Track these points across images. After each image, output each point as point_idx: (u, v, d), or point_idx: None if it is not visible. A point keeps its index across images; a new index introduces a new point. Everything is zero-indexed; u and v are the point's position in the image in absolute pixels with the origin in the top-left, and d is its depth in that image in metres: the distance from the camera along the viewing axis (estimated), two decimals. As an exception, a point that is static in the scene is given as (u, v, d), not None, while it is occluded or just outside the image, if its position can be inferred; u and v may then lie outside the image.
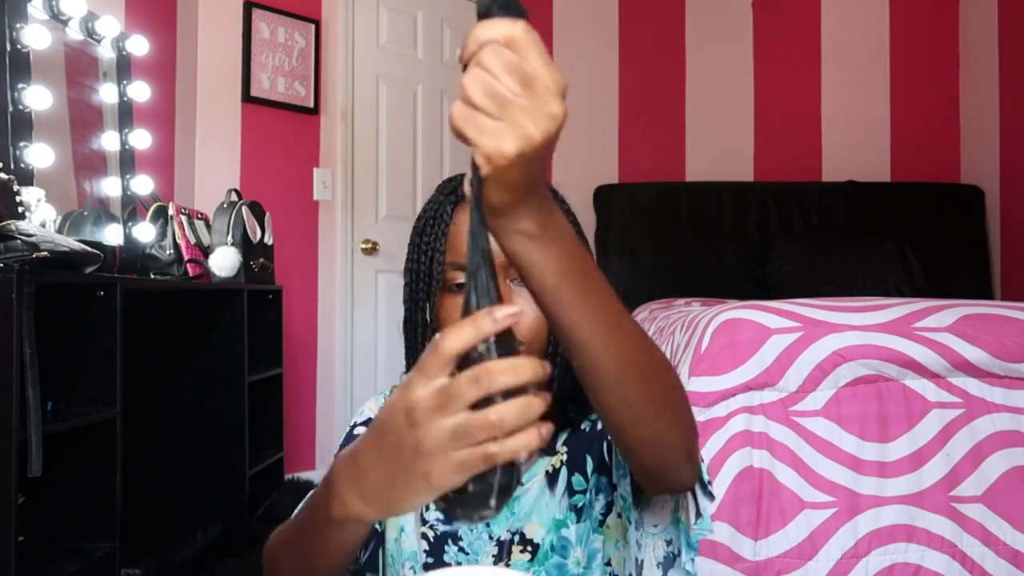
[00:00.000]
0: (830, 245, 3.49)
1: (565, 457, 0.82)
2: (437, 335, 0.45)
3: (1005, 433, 1.47)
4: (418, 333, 0.82)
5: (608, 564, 0.82)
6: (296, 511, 0.76)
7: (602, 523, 0.81)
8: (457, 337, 0.44)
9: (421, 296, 0.80)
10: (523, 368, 0.43)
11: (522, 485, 0.78)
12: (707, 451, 1.45)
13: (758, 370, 1.47)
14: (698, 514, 0.72)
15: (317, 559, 0.58)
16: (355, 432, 0.86)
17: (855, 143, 3.86)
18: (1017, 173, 3.42)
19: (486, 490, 0.46)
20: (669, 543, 0.77)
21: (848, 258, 3.44)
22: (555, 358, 0.79)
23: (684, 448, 0.61)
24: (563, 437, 0.83)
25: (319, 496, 0.55)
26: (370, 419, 0.87)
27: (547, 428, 0.44)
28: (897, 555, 1.43)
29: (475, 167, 0.46)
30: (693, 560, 0.75)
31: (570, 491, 0.81)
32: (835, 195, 3.69)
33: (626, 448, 0.60)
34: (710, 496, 0.72)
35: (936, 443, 1.47)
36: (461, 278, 0.78)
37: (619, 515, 0.82)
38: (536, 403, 0.43)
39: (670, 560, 0.77)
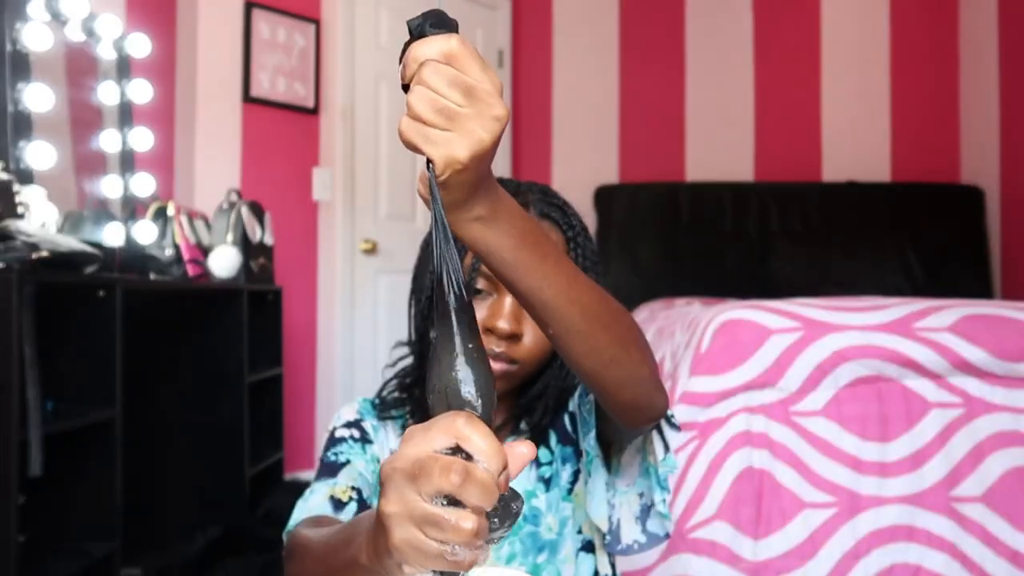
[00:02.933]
0: (830, 245, 3.49)
1: (529, 435, 0.86)
2: (462, 419, 0.45)
3: (1005, 433, 1.47)
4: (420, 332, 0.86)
5: (580, 532, 0.86)
6: (309, 497, 0.78)
7: (571, 491, 0.86)
8: (475, 440, 0.44)
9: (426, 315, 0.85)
10: (491, 495, 0.44)
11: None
12: (707, 451, 1.45)
13: (758, 370, 1.47)
14: (666, 448, 0.77)
15: None
16: (337, 435, 0.87)
17: (855, 143, 3.86)
18: (1017, 173, 3.42)
19: None
20: (641, 495, 0.81)
21: (848, 258, 3.44)
22: (544, 369, 0.84)
23: (653, 378, 0.66)
24: (525, 421, 0.87)
25: (358, 530, 0.55)
26: (348, 421, 0.88)
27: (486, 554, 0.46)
28: (897, 555, 1.43)
29: (431, 171, 0.48)
30: (665, 500, 0.79)
31: (537, 463, 0.86)
32: (835, 195, 3.69)
33: (603, 392, 0.64)
34: (676, 428, 0.79)
35: (936, 443, 1.47)
36: (480, 284, 0.81)
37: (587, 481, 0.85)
38: (481, 526, 0.45)
39: (646, 511, 0.81)
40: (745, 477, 1.44)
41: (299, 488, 2.55)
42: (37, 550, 1.55)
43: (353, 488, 0.79)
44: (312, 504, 0.77)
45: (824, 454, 1.46)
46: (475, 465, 0.44)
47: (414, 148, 0.48)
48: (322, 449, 0.86)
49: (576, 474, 0.86)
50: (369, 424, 0.88)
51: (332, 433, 0.88)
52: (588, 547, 0.86)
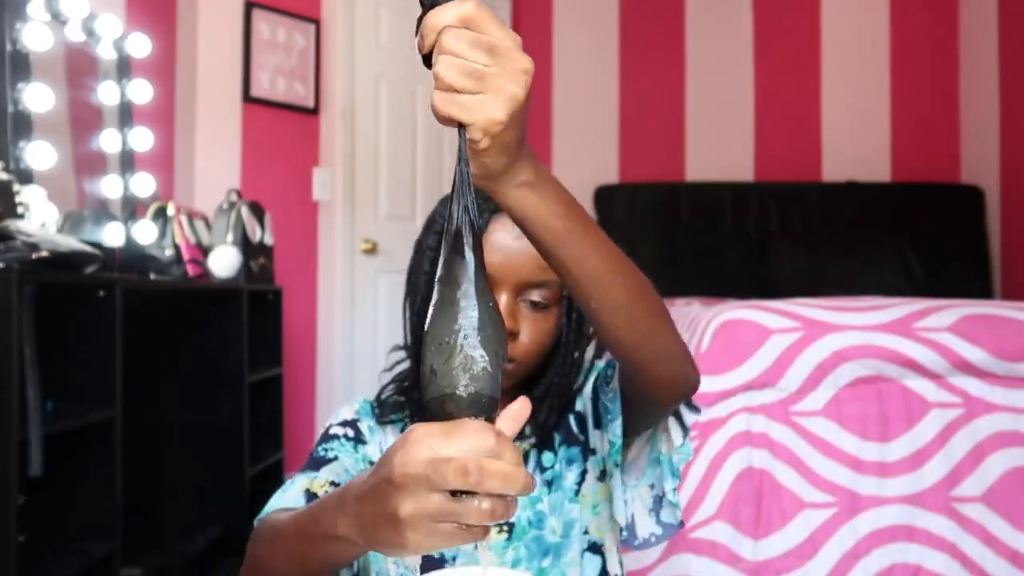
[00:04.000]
0: (830, 245, 3.49)
1: (534, 440, 0.86)
2: (494, 437, 0.45)
3: (1005, 433, 1.47)
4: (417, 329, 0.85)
5: (586, 533, 0.85)
6: (288, 487, 0.77)
7: (577, 492, 0.85)
8: (487, 445, 0.45)
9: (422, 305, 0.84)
10: (515, 480, 0.44)
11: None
12: (707, 451, 1.45)
13: (758, 370, 1.47)
14: (684, 433, 0.77)
15: (312, 562, 0.59)
16: (331, 431, 0.86)
17: (855, 143, 3.86)
18: (1017, 173, 3.42)
19: None
20: (652, 487, 0.81)
21: (848, 258, 3.44)
22: (546, 368, 0.84)
23: (686, 353, 0.67)
24: (530, 425, 0.86)
25: (329, 507, 0.55)
26: (346, 420, 0.88)
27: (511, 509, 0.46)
28: (897, 555, 1.43)
29: (466, 142, 0.48)
30: (675, 490, 0.78)
31: (540, 468, 0.85)
32: (835, 195, 3.69)
33: (642, 367, 0.64)
34: (696, 409, 0.77)
35: (936, 443, 1.47)
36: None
37: (598, 479, 0.85)
38: (513, 506, 0.46)
39: (658, 501, 0.81)
40: (745, 477, 1.44)
41: (299, 488, 2.56)
42: (37, 550, 1.55)
43: (332, 484, 0.78)
44: (288, 496, 0.76)
45: (824, 454, 1.46)
46: (489, 461, 0.44)
47: (449, 120, 0.47)
48: (315, 443, 0.86)
49: (583, 474, 0.85)
50: (366, 425, 0.88)
51: (327, 430, 0.87)
52: (594, 548, 0.85)
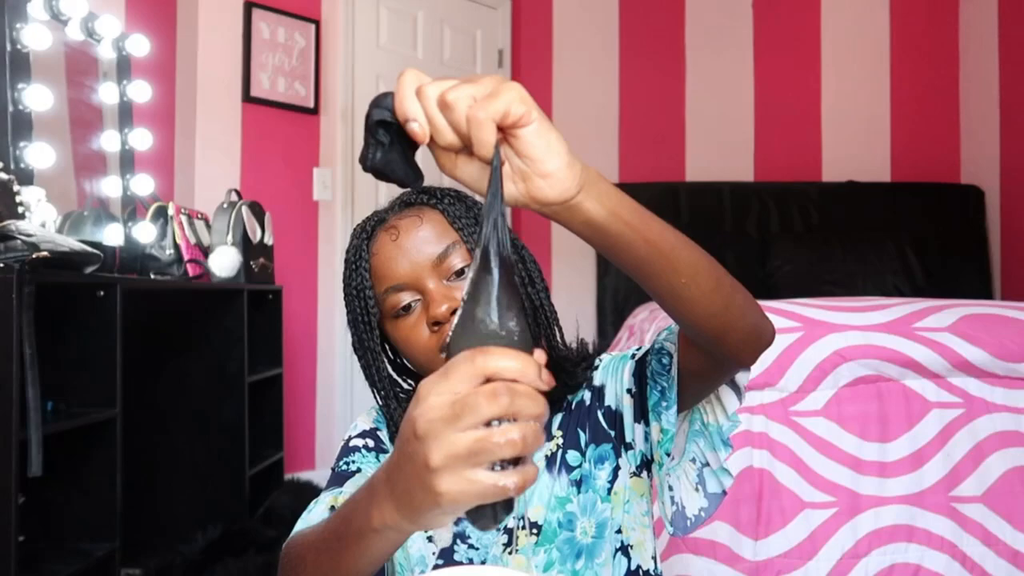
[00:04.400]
0: (830, 245, 3.48)
1: (562, 440, 0.85)
2: (468, 352, 0.44)
3: (1005, 433, 1.47)
4: (374, 370, 0.83)
5: (619, 532, 0.83)
6: (313, 507, 0.77)
7: (610, 491, 0.83)
8: (502, 362, 0.44)
9: (370, 344, 0.82)
10: (541, 399, 0.44)
11: None
12: (707, 451, 1.45)
13: (758, 370, 1.47)
14: (740, 395, 0.79)
15: (349, 564, 0.57)
16: (351, 444, 0.86)
17: (855, 143, 3.86)
18: (1017, 173, 3.42)
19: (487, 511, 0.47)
20: (693, 460, 0.82)
21: (848, 258, 3.43)
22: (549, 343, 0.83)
23: (755, 301, 0.68)
24: (558, 420, 0.86)
25: (360, 502, 0.55)
26: (364, 430, 0.87)
27: (538, 438, 0.45)
28: (897, 555, 1.43)
29: (499, 162, 0.49)
30: (726, 459, 0.80)
31: (567, 468, 0.84)
32: (835, 195, 3.69)
33: (726, 330, 0.65)
34: (747, 368, 0.77)
35: (936, 443, 1.47)
36: (405, 300, 0.80)
37: (633, 474, 0.84)
38: (541, 435, 0.44)
39: (700, 474, 0.82)
40: (745, 477, 1.44)
41: (299, 488, 2.56)
42: (37, 550, 1.55)
43: None
44: (313, 515, 0.75)
45: (824, 454, 1.46)
46: (514, 385, 0.43)
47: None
48: (335, 459, 0.85)
49: (615, 471, 0.84)
50: (385, 434, 0.87)
51: (347, 442, 0.86)
52: (624, 549, 0.84)
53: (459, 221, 0.81)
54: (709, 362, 0.72)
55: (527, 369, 0.44)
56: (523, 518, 0.81)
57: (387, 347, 0.86)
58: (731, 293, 0.64)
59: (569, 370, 0.85)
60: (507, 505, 0.47)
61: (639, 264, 0.60)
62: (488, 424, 0.43)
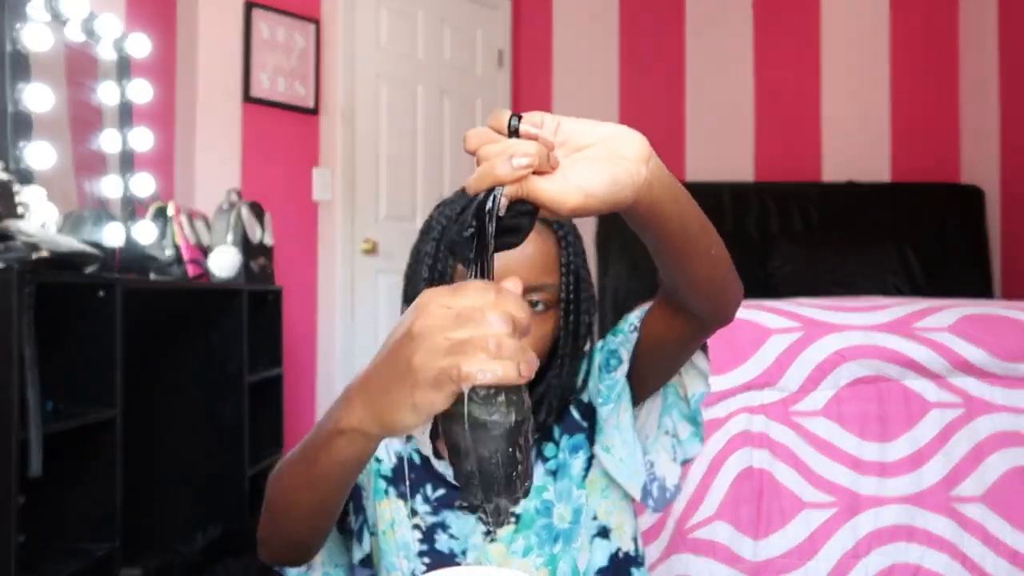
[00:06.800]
0: (830, 245, 3.48)
1: (537, 435, 0.87)
2: (485, 283, 0.47)
3: (1005, 433, 1.47)
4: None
5: (595, 518, 0.87)
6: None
7: (584, 478, 0.87)
8: (513, 303, 0.46)
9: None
10: (526, 310, 0.47)
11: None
12: (707, 451, 1.45)
13: (758, 370, 1.47)
14: (705, 355, 0.83)
15: (317, 472, 0.59)
16: None
17: (855, 143, 3.86)
18: (1017, 173, 3.42)
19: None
20: (667, 433, 0.86)
21: (848, 258, 3.43)
22: (545, 371, 0.84)
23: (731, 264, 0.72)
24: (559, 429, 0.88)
25: (332, 409, 0.56)
26: None
27: (528, 365, 0.46)
28: (897, 555, 1.43)
29: (495, 202, 0.49)
30: (697, 413, 0.86)
31: (543, 459, 0.86)
32: (835, 195, 3.69)
33: (716, 275, 0.69)
34: (705, 349, 0.84)
35: (936, 443, 1.47)
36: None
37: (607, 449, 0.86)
38: (529, 353, 0.46)
39: (674, 448, 0.86)
40: (745, 477, 1.44)
41: (299, 488, 2.55)
42: (37, 550, 1.55)
43: None
44: None
45: (824, 454, 1.46)
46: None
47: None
48: None
49: (589, 461, 0.87)
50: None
51: None
52: (603, 533, 0.87)
53: (569, 261, 0.84)
54: (689, 326, 0.75)
55: (527, 319, 0.47)
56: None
57: None
58: (716, 242, 0.68)
59: (566, 398, 0.88)
60: (507, 487, 0.47)
61: (665, 240, 0.63)
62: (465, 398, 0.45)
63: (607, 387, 0.84)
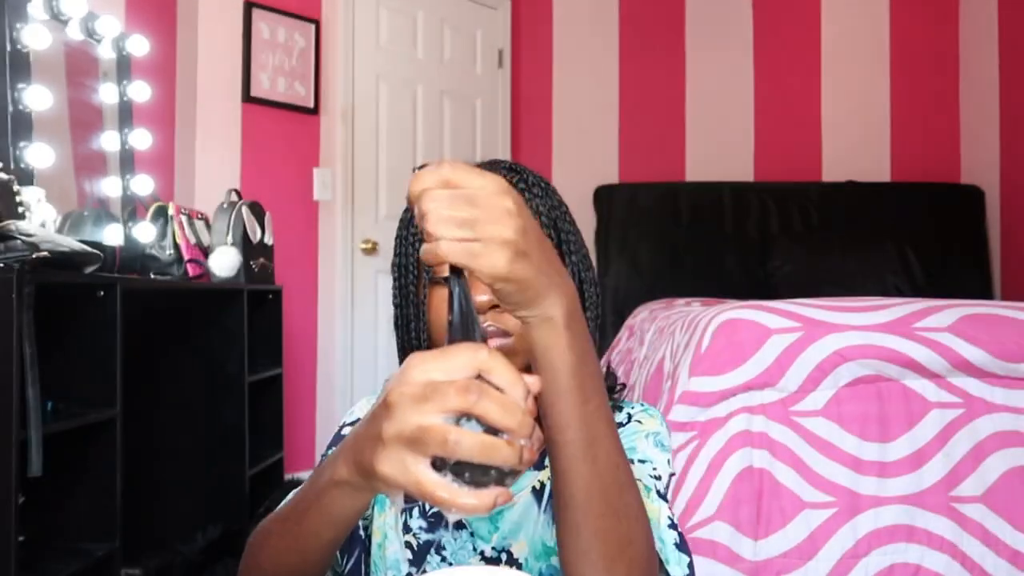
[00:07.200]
0: (830, 245, 3.49)
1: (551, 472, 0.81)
2: (474, 344, 0.45)
3: (1005, 433, 1.47)
4: (410, 328, 0.80)
5: None
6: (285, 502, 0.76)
7: None
8: (498, 367, 0.44)
9: (411, 289, 0.80)
10: (514, 413, 0.43)
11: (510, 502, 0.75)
12: (707, 451, 1.45)
13: (758, 370, 1.47)
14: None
15: (308, 526, 0.57)
16: (342, 432, 0.85)
17: (855, 143, 3.86)
18: (1017, 173, 3.42)
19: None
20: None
21: (848, 258, 3.44)
22: None
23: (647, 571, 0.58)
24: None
25: (327, 460, 0.55)
26: (359, 419, 0.85)
27: (503, 495, 0.43)
28: (897, 555, 1.43)
29: (453, 269, 0.49)
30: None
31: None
32: (835, 195, 3.69)
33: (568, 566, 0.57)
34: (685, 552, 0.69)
35: (936, 443, 1.47)
36: (446, 272, 0.77)
37: None
38: (503, 451, 0.42)
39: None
40: (745, 477, 1.44)
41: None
42: (37, 550, 1.55)
43: None
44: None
45: (824, 454, 1.46)
46: (492, 389, 0.43)
47: (463, 266, 0.48)
48: (326, 446, 0.84)
49: None
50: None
51: (339, 429, 0.86)
52: None
53: (539, 219, 0.76)
54: None
55: (516, 386, 0.44)
56: (506, 551, 0.77)
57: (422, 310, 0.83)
58: (593, 536, 0.55)
59: None
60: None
61: (539, 407, 0.53)
62: (457, 422, 0.43)
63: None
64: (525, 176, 0.79)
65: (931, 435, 1.47)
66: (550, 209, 0.79)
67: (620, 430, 0.76)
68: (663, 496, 0.71)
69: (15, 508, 1.35)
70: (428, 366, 0.45)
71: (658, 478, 0.73)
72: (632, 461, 0.72)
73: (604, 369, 0.83)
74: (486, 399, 0.42)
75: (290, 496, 0.63)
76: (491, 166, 0.81)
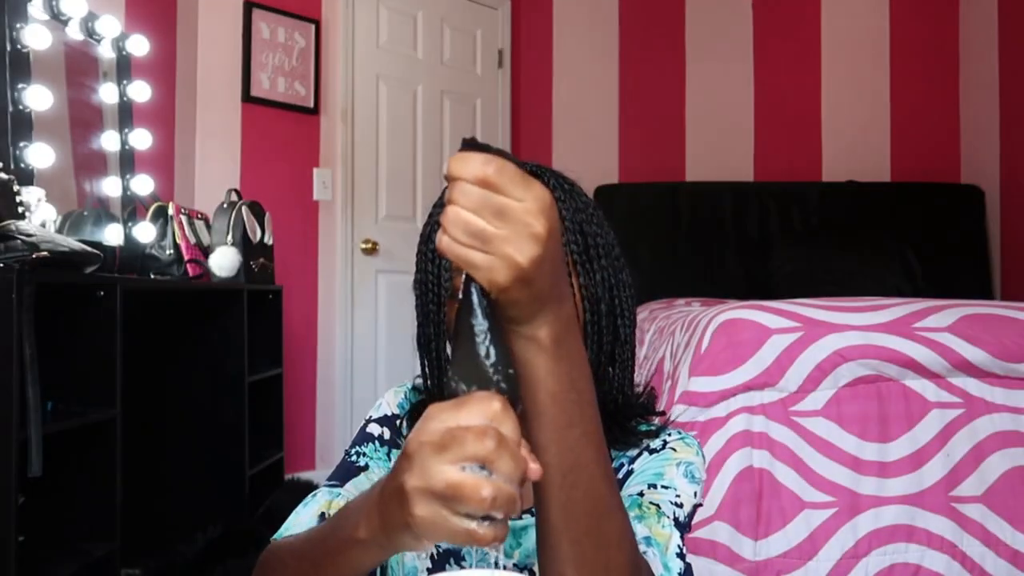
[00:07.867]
0: (830, 245, 3.48)
1: None
2: (499, 403, 0.45)
3: (1005, 433, 1.47)
4: (432, 347, 0.78)
5: None
6: (309, 501, 0.75)
7: None
8: (510, 423, 0.44)
9: (431, 308, 0.77)
10: (522, 468, 0.44)
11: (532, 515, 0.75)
12: (707, 451, 1.45)
13: (758, 370, 1.47)
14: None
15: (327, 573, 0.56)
16: (368, 429, 0.83)
17: (855, 143, 3.86)
18: (1017, 173, 3.42)
19: None
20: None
21: (848, 258, 3.44)
22: None
23: None
24: None
25: (352, 511, 0.54)
26: (386, 415, 0.84)
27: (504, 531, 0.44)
28: (897, 555, 1.43)
29: (474, 290, 0.48)
30: None
31: None
32: (835, 195, 3.69)
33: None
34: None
35: (936, 443, 1.47)
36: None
37: None
38: (516, 504, 0.43)
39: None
40: (745, 477, 1.44)
41: (299, 488, 2.55)
42: (37, 550, 1.55)
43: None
44: (302, 519, 0.73)
45: (824, 454, 1.46)
46: (506, 438, 0.44)
47: (460, 262, 0.47)
48: (352, 439, 0.82)
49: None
50: (406, 422, 0.83)
51: (366, 424, 0.83)
52: None
53: (582, 285, 0.75)
54: None
55: (518, 443, 0.44)
56: (528, 569, 0.76)
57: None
58: (573, 564, 0.55)
59: (623, 425, 0.77)
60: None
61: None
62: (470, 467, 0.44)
63: (643, 465, 0.74)
64: (546, 179, 0.77)
65: (931, 435, 1.47)
66: (574, 212, 0.77)
67: (650, 456, 0.77)
68: (681, 524, 0.70)
69: (15, 508, 1.35)
70: (446, 416, 0.45)
71: (679, 506, 0.71)
72: (655, 486, 0.72)
73: (644, 391, 0.81)
74: (504, 449, 0.43)
75: (310, 530, 0.61)
76: (538, 172, 0.78)
